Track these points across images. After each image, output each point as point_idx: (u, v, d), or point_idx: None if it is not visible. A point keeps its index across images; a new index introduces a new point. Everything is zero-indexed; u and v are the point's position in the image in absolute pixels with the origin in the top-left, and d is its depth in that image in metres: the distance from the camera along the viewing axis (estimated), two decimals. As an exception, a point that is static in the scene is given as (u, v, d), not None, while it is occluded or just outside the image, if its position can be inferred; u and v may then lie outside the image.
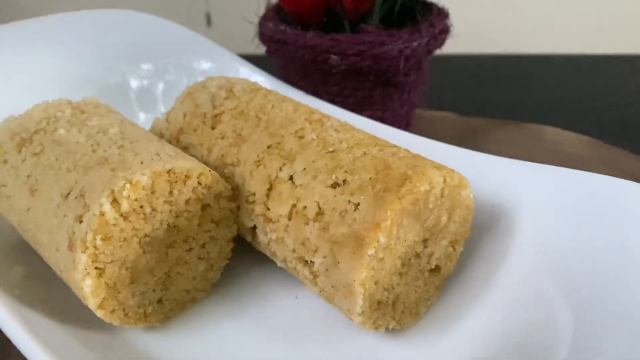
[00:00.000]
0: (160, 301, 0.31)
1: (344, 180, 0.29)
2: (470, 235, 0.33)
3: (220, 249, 0.33)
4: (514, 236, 0.33)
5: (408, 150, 0.31)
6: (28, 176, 0.31)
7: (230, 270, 0.35)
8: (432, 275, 0.32)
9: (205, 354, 0.31)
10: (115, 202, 0.27)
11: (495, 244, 0.33)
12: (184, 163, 0.30)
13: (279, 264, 0.32)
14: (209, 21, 0.92)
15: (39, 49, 0.47)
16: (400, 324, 0.31)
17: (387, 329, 0.30)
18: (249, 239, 0.34)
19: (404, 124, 0.50)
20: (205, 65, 0.50)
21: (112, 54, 0.49)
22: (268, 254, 0.33)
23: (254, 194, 0.32)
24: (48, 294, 0.31)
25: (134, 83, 0.48)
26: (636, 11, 0.89)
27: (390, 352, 0.31)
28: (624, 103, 0.68)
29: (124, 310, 0.29)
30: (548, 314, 0.29)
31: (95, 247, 0.27)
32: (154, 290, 0.31)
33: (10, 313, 0.28)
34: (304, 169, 0.30)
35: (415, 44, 0.42)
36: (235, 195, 0.33)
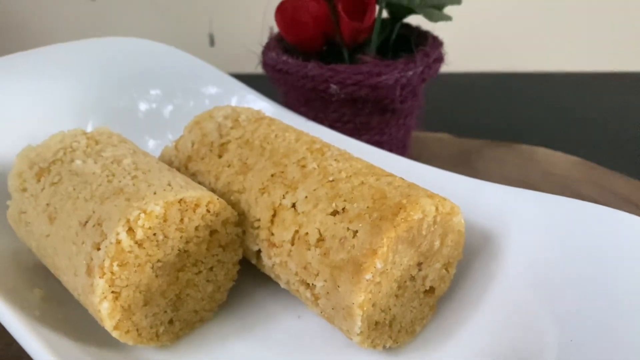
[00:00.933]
0: (171, 321, 0.33)
1: (343, 209, 0.31)
2: (462, 258, 0.35)
3: (227, 272, 0.35)
4: (503, 258, 0.35)
5: (403, 179, 0.33)
6: (47, 204, 0.33)
7: (236, 291, 0.37)
8: (427, 296, 0.34)
9: (213, 371, 0.33)
10: (130, 230, 0.29)
11: (486, 265, 0.35)
12: (194, 192, 0.32)
13: (282, 285, 0.34)
14: (212, 42, 0.94)
15: (51, 75, 0.49)
16: (397, 342, 0.33)
17: (384, 347, 0.32)
18: (254, 261, 0.36)
19: (402, 147, 0.52)
20: (212, 90, 0.53)
21: (121, 80, 0.51)
22: (272, 276, 0.35)
23: (258, 220, 0.34)
24: (66, 314, 0.33)
25: (143, 107, 0.51)
26: (626, 28, 0.91)
27: (387, 369, 0.33)
28: (615, 122, 0.70)
29: (137, 330, 0.31)
30: (535, 331, 0.31)
31: (112, 273, 0.29)
32: (165, 312, 0.33)
33: (31, 332, 0.30)
34: (306, 197, 0.32)
35: (410, 73, 0.44)
36: (241, 220, 0.35)
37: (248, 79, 0.54)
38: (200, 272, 0.34)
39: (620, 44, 0.91)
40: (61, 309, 0.34)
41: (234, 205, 0.35)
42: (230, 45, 0.96)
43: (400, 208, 0.29)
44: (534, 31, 0.91)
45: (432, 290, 0.34)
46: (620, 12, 0.89)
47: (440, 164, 0.55)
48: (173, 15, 0.93)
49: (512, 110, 0.74)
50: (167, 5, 0.92)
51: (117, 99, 0.50)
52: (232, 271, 0.36)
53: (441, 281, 0.34)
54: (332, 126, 0.47)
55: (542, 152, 0.57)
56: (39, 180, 0.35)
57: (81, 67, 0.51)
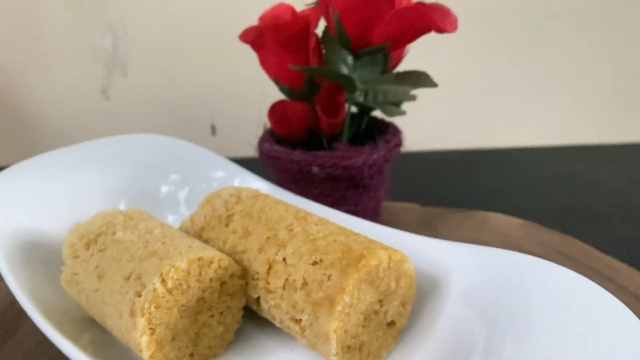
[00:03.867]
0: (191, 354, 0.43)
1: (321, 260, 0.41)
2: (416, 298, 0.45)
3: (233, 315, 0.45)
4: (448, 296, 0.44)
5: (366, 237, 0.44)
6: (96, 266, 0.44)
7: (241, 332, 0.46)
8: (389, 328, 0.44)
9: (224, 395, 0.42)
10: (163, 281, 0.39)
11: (435, 304, 0.45)
12: (209, 252, 0.42)
13: (277, 324, 0.44)
14: (213, 131, 1.08)
15: (88, 167, 0.60)
16: (367, 365, 0.42)
17: (357, 368, 0.42)
18: (254, 307, 0.46)
19: (374, 215, 0.63)
20: (219, 173, 0.64)
21: (145, 168, 0.62)
22: (269, 317, 0.45)
23: (257, 273, 0.44)
24: (110, 352, 0.43)
25: (164, 189, 0.62)
26: (570, 108, 1.05)
27: (360, 386, 0.42)
28: (555, 190, 0.82)
29: (166, 360, 0.41)
30: (471, 338, 0.40)
31: (150, 313, 0.39)
32: (187, 346, 0.42)
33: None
34: (293, 252, 0.43)
35: (375, 156, 0.56)
36: (244, 274, 0.45)
37: (243, 162, 0.66)
38: (213, 315, 0.44)
39: (563, 121, 1.05)
40: (106, 349, 0.43)
41: (238, 262, 0.45)
42: (229, 134, 1.10)
43: (362, 257, 0.40)
44: (488, 114, 1.05)
45: (393, 323, 0.44)
46: (563, 93, 1.04)
47: (407, 228, 0.66)
48: (179, 109, 1.07)
49: (472, 182, 0.86)
50: (174, 101, 1.06)
51: (142, 183, 0.61)
52: (238, 315, 0.45)
53: (400, 316, 0.44)
54: (315, 199, 0.59)
55: (493, 216, 0.68)
56: (88, 249, 0.45)
57: (112, 159, 0.62)
